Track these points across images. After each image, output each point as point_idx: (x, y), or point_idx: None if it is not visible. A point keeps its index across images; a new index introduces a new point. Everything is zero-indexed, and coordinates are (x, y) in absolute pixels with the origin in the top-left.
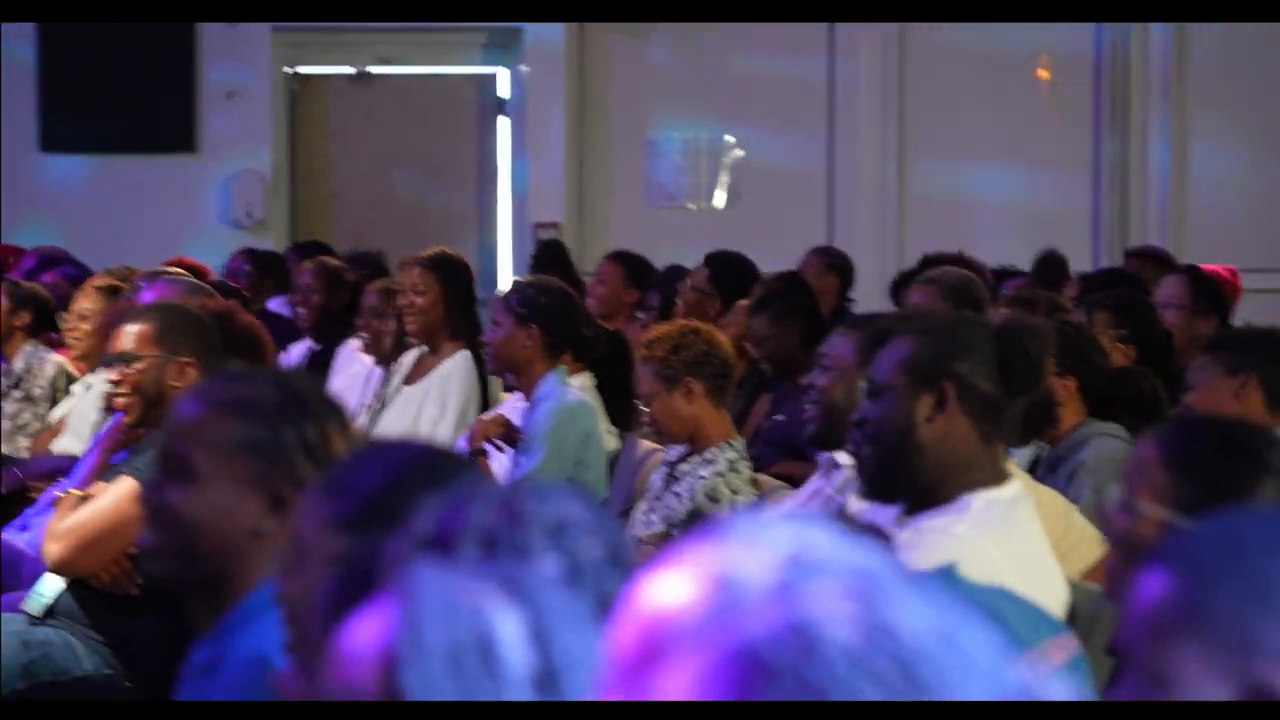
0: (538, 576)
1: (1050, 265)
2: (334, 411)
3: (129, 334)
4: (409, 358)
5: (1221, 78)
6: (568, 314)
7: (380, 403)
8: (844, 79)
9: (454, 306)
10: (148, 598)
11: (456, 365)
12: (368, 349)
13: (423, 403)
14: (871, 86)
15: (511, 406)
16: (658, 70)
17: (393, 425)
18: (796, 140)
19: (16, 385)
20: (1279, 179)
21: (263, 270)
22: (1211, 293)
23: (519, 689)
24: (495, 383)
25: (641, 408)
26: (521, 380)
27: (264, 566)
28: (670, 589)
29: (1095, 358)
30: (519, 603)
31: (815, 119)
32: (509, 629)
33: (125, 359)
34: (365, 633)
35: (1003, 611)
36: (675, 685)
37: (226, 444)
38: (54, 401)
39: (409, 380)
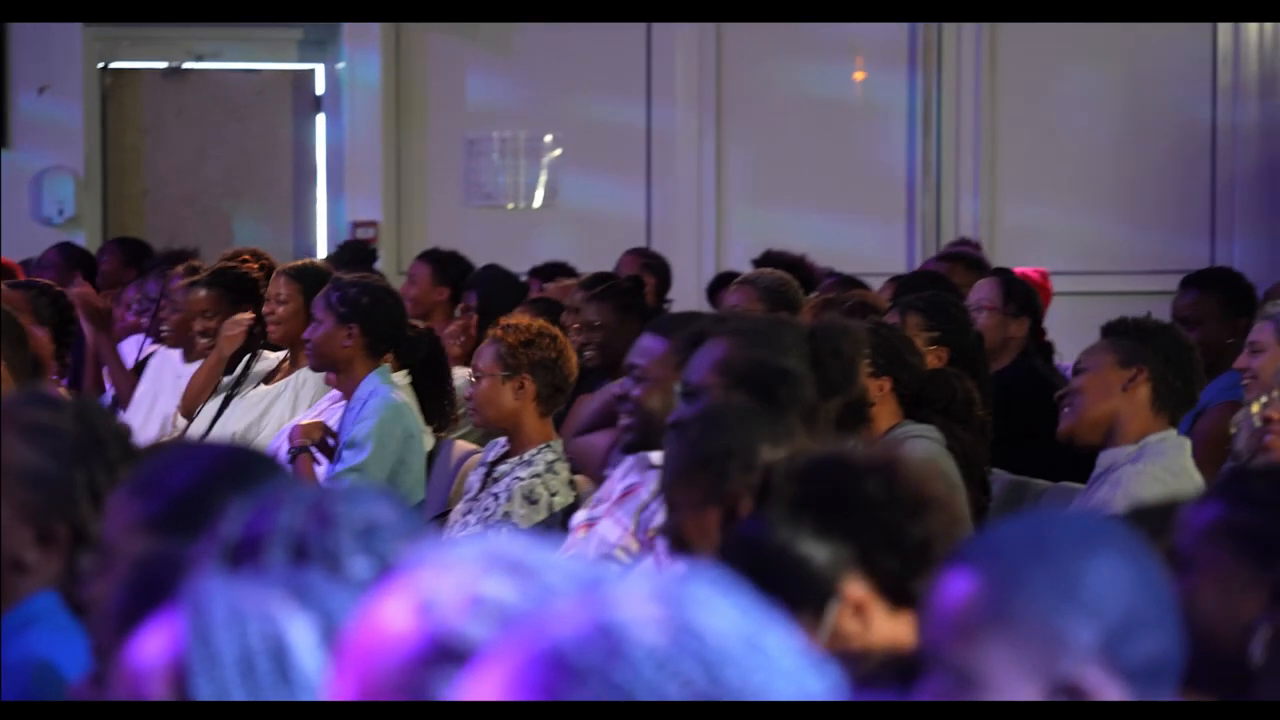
0: (329, 581)
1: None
2: (129, 457)
3: None
4: (271, 360)
5: (1032, 76)
6: (389, 314)
7: (225, 396)
8: (660, 78)
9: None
10: None
11: (314, 374)
12: (173, 344)
13: (273, 402)
14: (689, 87)
15: (330, 405)
16: (477, 68)
17: (236, 421)
18: (614, 140)
19: None
20: (1088, 185)
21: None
22: (1023, 294)
23: (314, 693)
24: None
25: (471, 384)
26: (341, 379)
27: (20, 594)
28: (389, 628)
29: (910, 359)
30: (309, 608)
31: (634, 117)
32: (301, 634)
33: None
34: (153, 645)
35: None
36: (482, 687)
37: (14, 470)
38: None
39: (267, 380)
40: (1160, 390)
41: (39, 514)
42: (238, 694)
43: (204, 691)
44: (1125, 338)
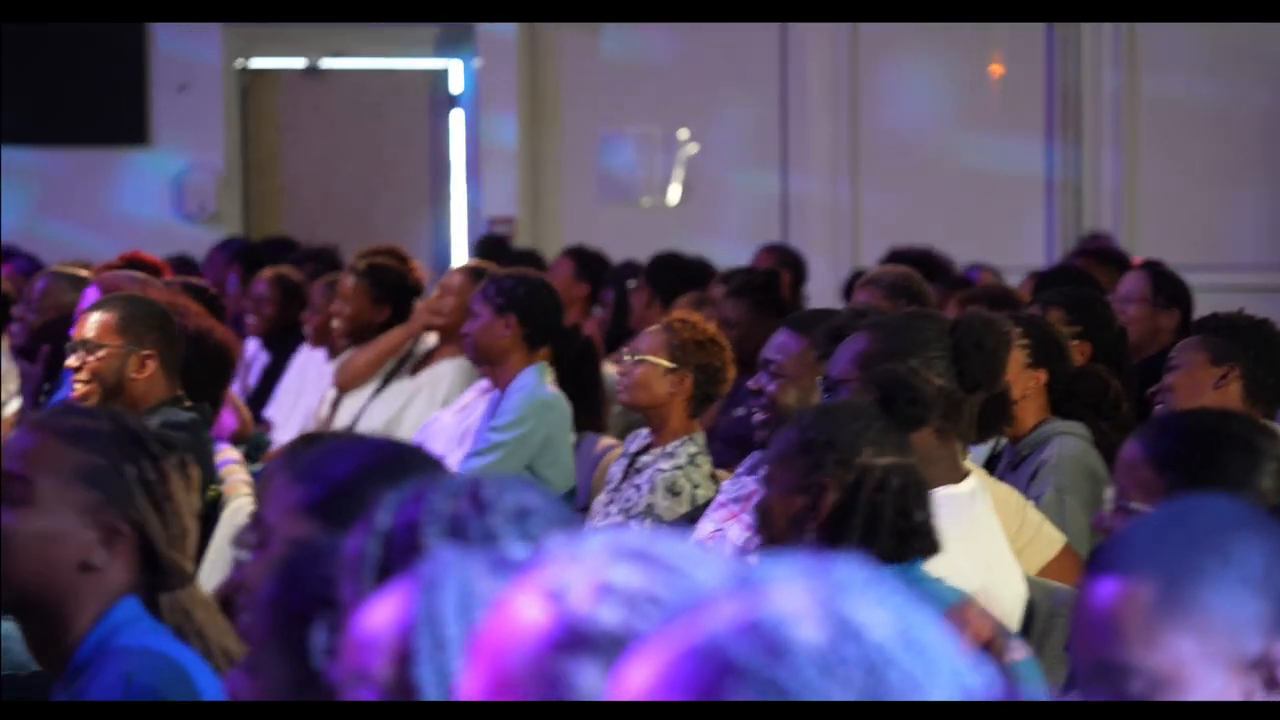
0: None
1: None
2: (169, 453)
3: (92, 322)
4: (424, 348)
5: (1172, 69)
6: (546, 306)
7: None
8: (795, 72)
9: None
10: None
11: (453, 369)
12: (316, 341)
13: (413, 396)
14: (823, 79)
15: (476, 396)
16: (611, 64)
17: (377, 417)
18: (751, 135)
19: None
20: (1228, 179)
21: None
22: (1174, 286)
23: None
24: None
25: (630, 357)
26: (496, 371)
27: (97, 601)
28: (515, 621)
29: (1063, 353)
30: None
31: (768, 113)
32: None
33: (87, 346)
34: (381, 617)
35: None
36: (633, 680)
37: (67, 471)
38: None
39: (413, 372)
40: (1252, 387)
41: (99, 512)
42: (457, 680)
43: (425, 672)
44: (1216, 335)
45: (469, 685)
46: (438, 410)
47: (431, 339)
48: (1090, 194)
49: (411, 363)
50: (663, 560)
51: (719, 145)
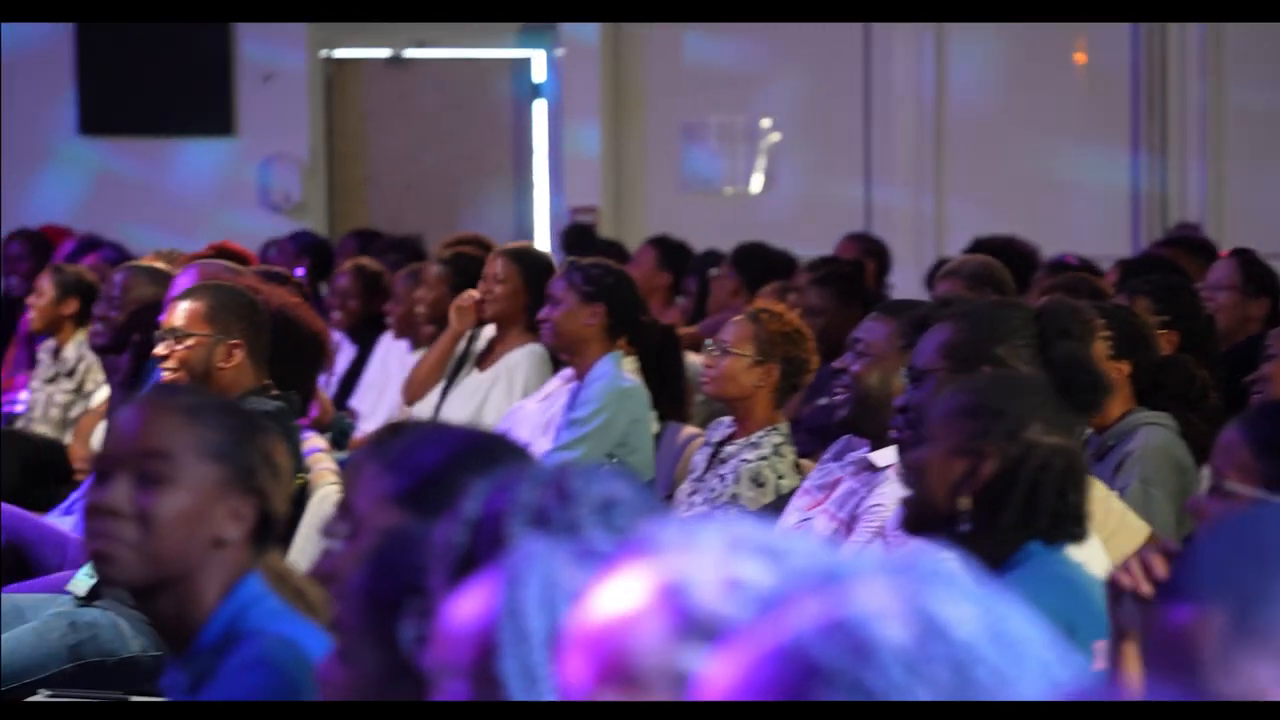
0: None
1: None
2: (274, 426)
3: (181, 311)
4: (480, 341)
5: (1258, 55)
6: (631, 297)
7: (449, 378)
8: (879, 62)
9: (533, 300)
10: None
11: (525, 357)
12: (400, 333)
13: (489, 391)
14: (908, 71)
15: (561, 385)
16: (694, 53)
17: (458, 409)
18: (833, 125)
19: (69, 374)
20: None
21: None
22: (1264, 274)
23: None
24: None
25: (713, 350)
26: (577, 359)
27: (224, 576)
28: (628, 608)
29: (1149, 344)
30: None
31: (850, 103)
32: None
33: (176, 335)
34: (469, 609)
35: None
36: (716, 680)
37: (200, 448)
38: None
39: (480, 366)
40: None
41: (228, 488)
42: (543, 673)
43: (510, 665)
44: None
45: (572, 674)
46: (518, 400)
47: (488, 330)
48: (1175, 203)
49: (473, 358)
50: (787, 556)
51: (802, 136)
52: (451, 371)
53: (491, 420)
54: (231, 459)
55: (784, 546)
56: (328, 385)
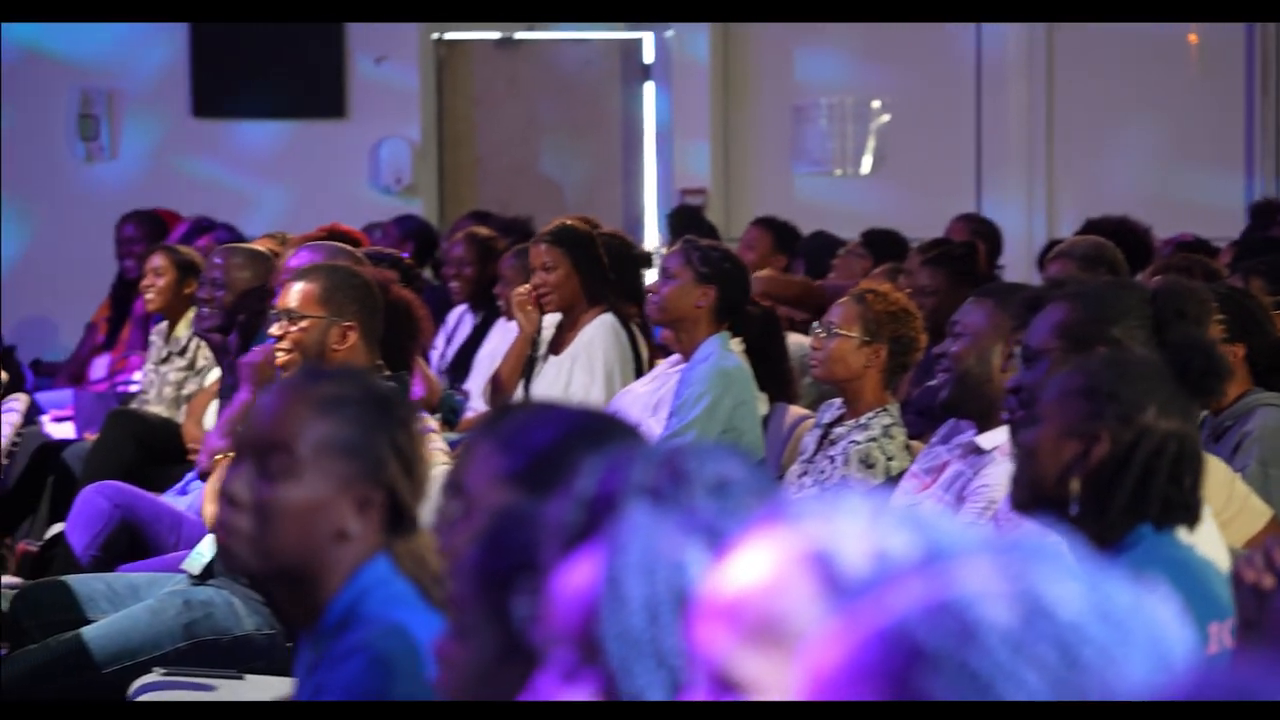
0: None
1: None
2: (413, 414)
3: (295, 292)
4: (548, 329)
5: None
6: (743, 283)
7: (528, 372)
8: (990, 41)
9: (586, 274)
10: None
11: (598, 329)
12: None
13: (571, 371)
14: (1019, 51)
15: (668, 369)
16: (804, 34)
17: (545, 392)
18: (944, 105)
19: (181, 353)
20: None
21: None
22: None
23: None
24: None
25: (819, 332)
26: (682, 337)
27: (347, 564)
28: (773, 571)
29: (1264, 325)
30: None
31: (963, 84)
32: None
33: (290, 316)
34: (578, 578)
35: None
36: (815, 665)
37: (326, 443)
38: None
39: (554, 349)
40: None
41: (355, 482)
42: (642, 640)
43: (610, 632)
44: None
45: (708, 637)
46: (599, 374)
47: (549, 318)
48: None
49: (545, 345)
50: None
51: (911, 116)
52: (527, 365)
53: (578, 399)
54: (360, 453)
55: (928, 519)
56: (444, 357)
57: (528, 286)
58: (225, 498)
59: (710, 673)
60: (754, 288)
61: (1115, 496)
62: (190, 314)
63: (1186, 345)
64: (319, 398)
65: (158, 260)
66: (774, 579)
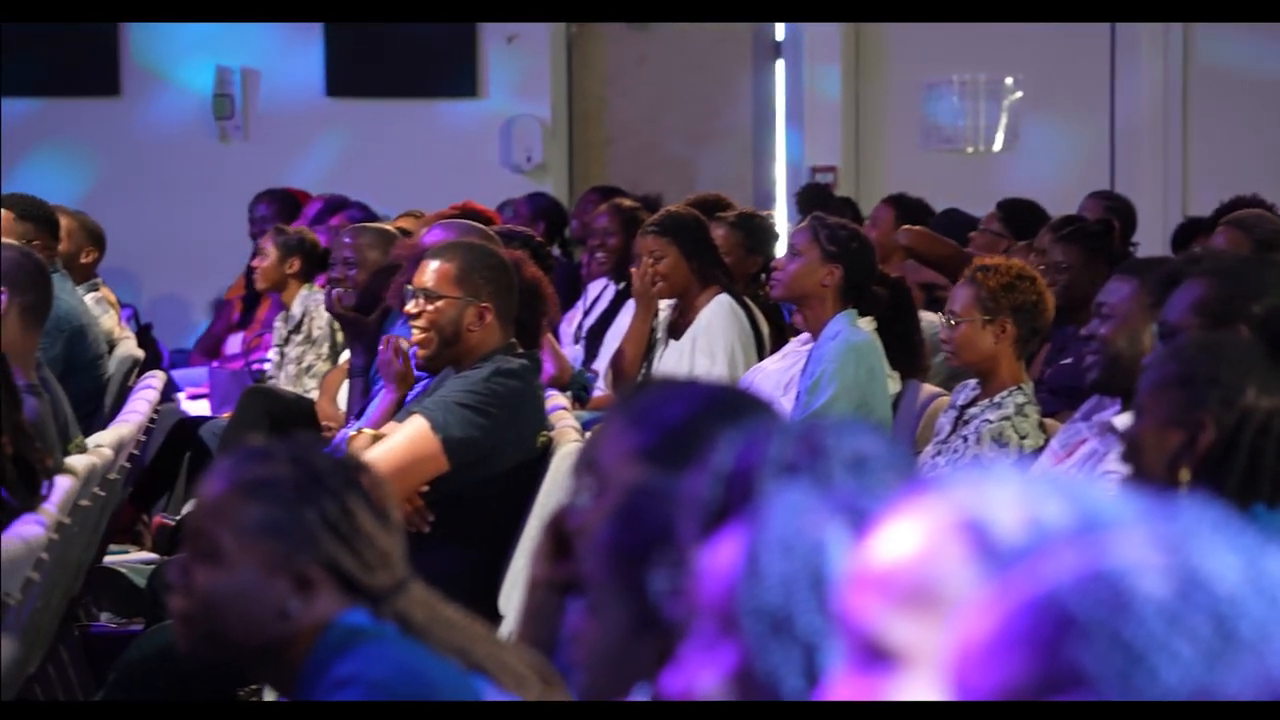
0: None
1: None
2: (353, 485)
3: (432, 271)
4: (662, 313)
5: None
6: (869, 263)
7: (648, 356)
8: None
9: (696, 259)
10: (436, 535)
11: (714, 312)
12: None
13: (692, 355)
14: (1153, 26)
15: (798, 348)
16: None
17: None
18: (1077, 81)
19: (297, 329)
20: None
21: (538, 214)
22: None
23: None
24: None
25: (947, 321)
26: (808, 315)
27: (307, 636)
28: (928, 539)
29: None
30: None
31: (1097, 60)
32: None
33: (426, 295)
34: (723, 554)
35: None
36: (965, 634)
37: (251, 528)
38: (334, 342)
39: (673, 334)
40: None
41: (285, 563)
42: (778, 616)
43: (745, 607)
44: None
45: (859, 605)
46: (720, 355)
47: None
48: None
49: (664, 332)
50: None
51: (1044, 93)
52: (646, 349)
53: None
54: (286, 534)
55: (1083, 488)
56: (580, 328)
57: (645, 270)
58: (170, 584)
59: (861, 641)
60: (903, 241)
61: (1227, 481)
62: (301, 290)
63: (1275, 318)
64: (245, 482)
65: (265, 241)
66: (928, 546)
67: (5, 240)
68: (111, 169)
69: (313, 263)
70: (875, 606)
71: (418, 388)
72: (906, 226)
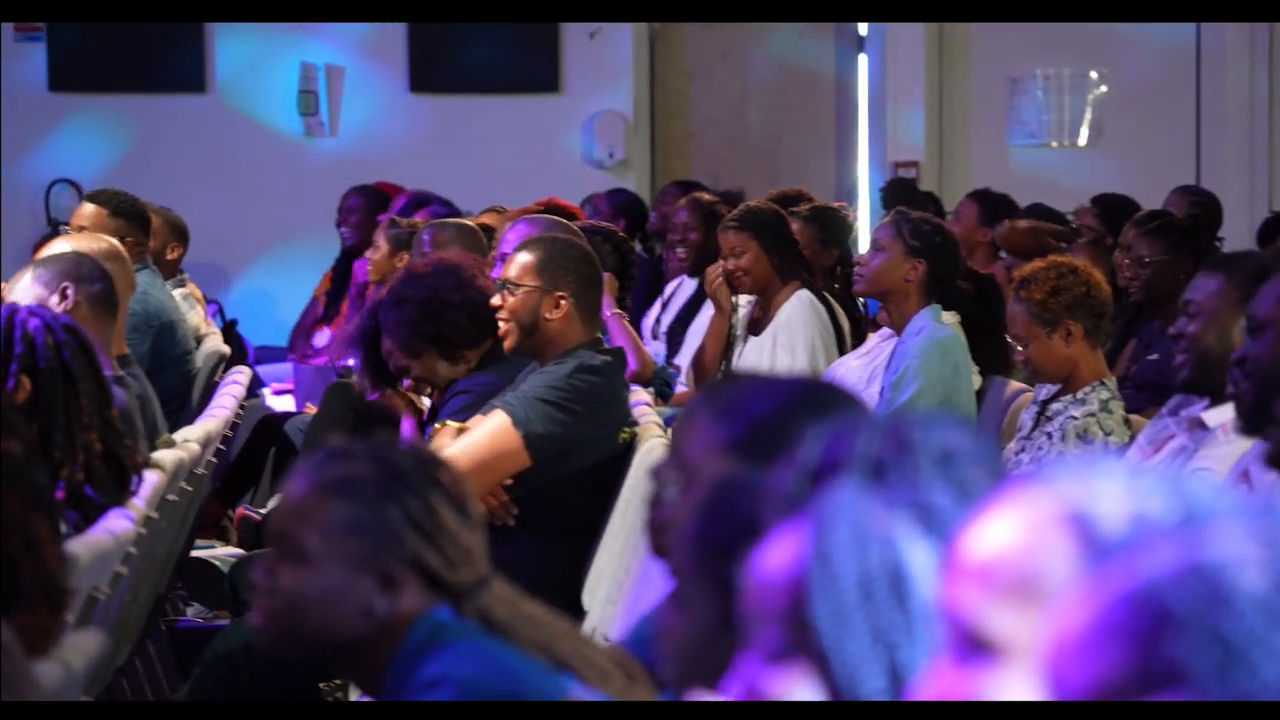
0: (949, 504)
1: None
2: (434, 482)
3: (515, 263)
4: (742, 309)
5: None
6: (954, 257)
7: (727, 353)
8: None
9: (776, 254)
10: (520, 530)
11: (795, 308)
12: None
13: (773, 351)
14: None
15: (880, 342)
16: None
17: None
18: (1162, 75)
19: None
20: None
21: (617, 211)
22: None
23: (930, 622)
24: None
25: (1015, 346)
26: (891, 310)
27: (394, 635)
28: (1031, 530)
29: None
30: (932, 532)
31: (1183, 53)
32: (921, 560)
33: (507, 286)
34: (779, 557)
35: None
36: (1062, 627)
37: (335, 527)
38: None
39: (753, 330)
40: None
41: (371, 562)
42: (856, 617)
43: (821, 610)
44: None
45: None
46: (801, 351)
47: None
48: None
49: (744, 329)
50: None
51: (1130, 87)
52: (725, 346)
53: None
54: (371, 533)
55: (1186, 482)
56: (659, 323)
57: (721, 267)
58: (253, 586)
59: (961, 632)
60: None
61: None
62: None
63: None
64: (328, 482)
65: (378, 234)
66: (1033, 537)
67: (99, 236)
68: (198, 165)
69: None
70: (977, 597)
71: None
72: (1009, 222)
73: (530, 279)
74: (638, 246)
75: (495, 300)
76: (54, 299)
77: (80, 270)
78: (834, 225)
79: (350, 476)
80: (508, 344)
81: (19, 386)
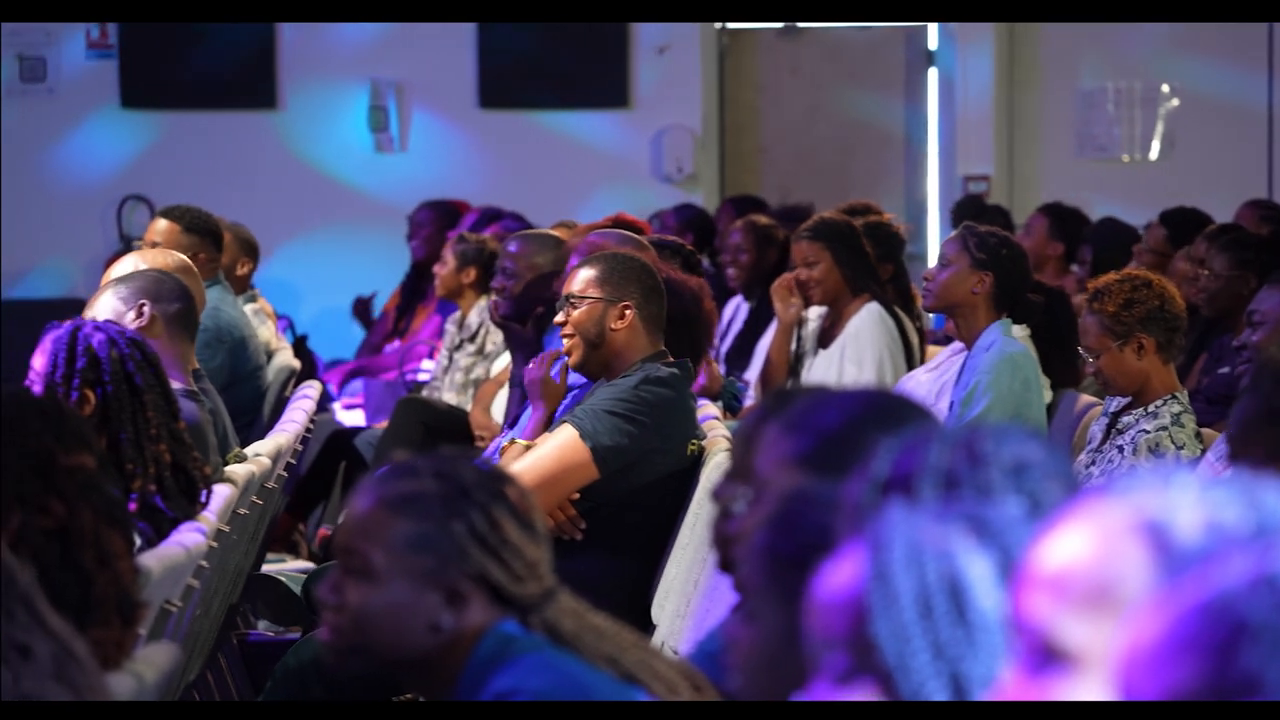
0: (1004, 515)
1: None
2: (498, 496)
3: (579, 278)
4: (812, 322)
5: None
6: (1022, 270)
7: (795, 367)
8: None
9: (848, 266)
10: (588, 543)
11: (864, 321)
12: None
13: (841, 364)
14: None
15: (950, 356)
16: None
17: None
18: (1234, 88)
19: (471, 339)
20: None
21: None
22: None
23: (990, 633)
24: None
25: (1087, 358)
26: (960, 324)
27: (461, 648)
28: (1106, 540)
29: None
30: (987, 543)
31: (1254, 66)
32: (979, 571)
33: (571, 300)
34: (839, 579)
35: None
36: (1136, 637)
37: (401, 543)
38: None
39: (822, 343)
40: None
41: (436, 576)
42: (916, 632)
43: (883, 629)
44: None
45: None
46: (869, 364)
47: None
48: None
49: (814, 342)
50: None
51: (1200, 100)
52: (794, 360)
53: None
54: (437, 548)
55: (1260, 492)
56: (720, 344)
57: (787, 276)
58: (321, 601)
59: (1034, 642)
60: None
61: None
62: (477, 300)
63: None
64: (392, 498)
65: (446, 249)
66: (1108, 547)
67: (170, 252)
68: (268, 181)
69: (490, 273)
70: (1051, 607)
71: (567, 400)
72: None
73: (594, 291)
74: (705, 261)
75: (559, 317)
76: (130, 314)
77: (160, 289)
78: (887, 240)
79: (415, 492)
80: (574, 360)
81: (83, 400)
